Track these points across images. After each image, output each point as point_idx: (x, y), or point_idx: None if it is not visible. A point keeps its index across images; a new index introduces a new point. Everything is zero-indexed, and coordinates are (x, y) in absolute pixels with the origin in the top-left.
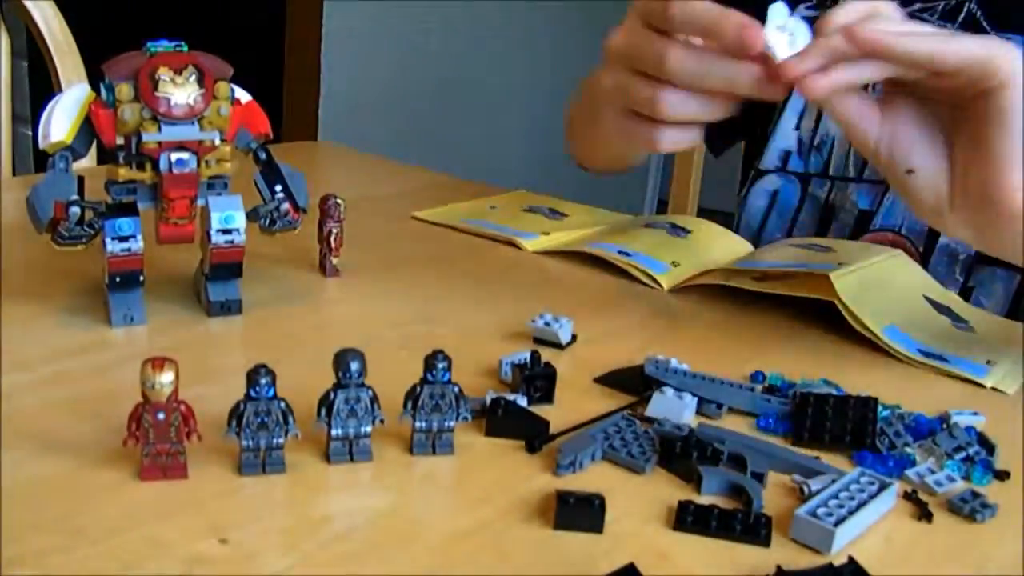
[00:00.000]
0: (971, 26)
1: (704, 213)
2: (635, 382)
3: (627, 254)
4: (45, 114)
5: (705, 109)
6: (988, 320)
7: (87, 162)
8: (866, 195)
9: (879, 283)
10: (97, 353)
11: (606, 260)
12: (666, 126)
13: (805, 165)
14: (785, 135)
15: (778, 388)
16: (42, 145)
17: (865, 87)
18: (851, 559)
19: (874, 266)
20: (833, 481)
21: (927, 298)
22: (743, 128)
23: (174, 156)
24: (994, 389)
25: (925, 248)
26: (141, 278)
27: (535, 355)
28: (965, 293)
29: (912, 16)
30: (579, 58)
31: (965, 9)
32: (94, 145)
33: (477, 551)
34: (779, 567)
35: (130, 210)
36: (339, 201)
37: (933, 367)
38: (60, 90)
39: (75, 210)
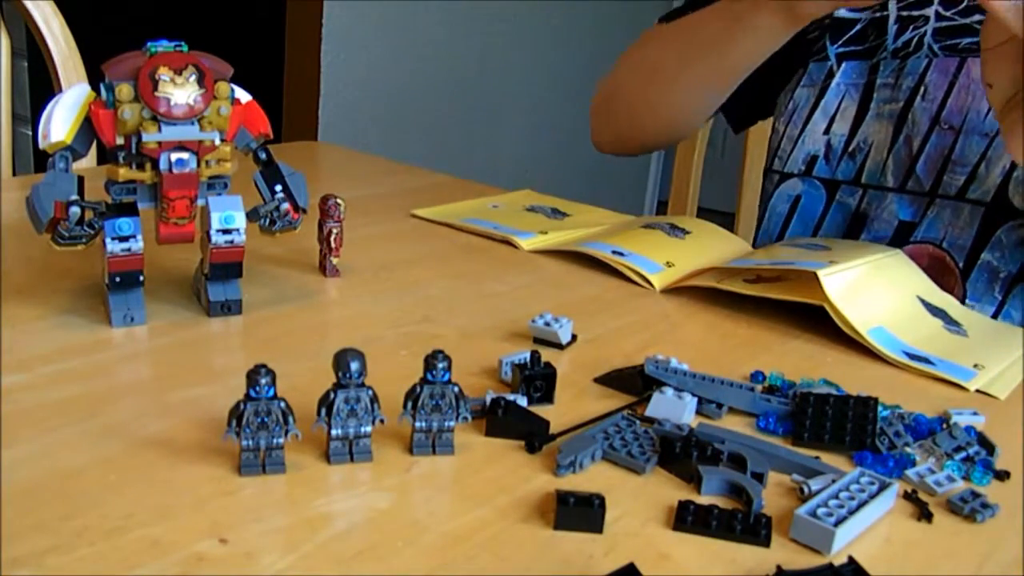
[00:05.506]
0: None
1: (704, 213)
2: (635, 382)
3: (621, 254)
4: (45, 114)
5: None
6: (983, 324)
7: (87, 162)
8: (908, 206)
9: (871, 282)
10: (97, 353)
11: (607, 260)
12: None
13: (833, 171)
14: (814, 139)
15: (778, 388)
16: (42, 145)
17: None
18: (851, 559)
19: (868, 265)
20: (833, 481)
21: (921, 299)
22: (767, 105)
23: (174, 156)
24: (980, 392)
25: (966, 264)
26: (141, 278)
27: (535, 355)
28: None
29: None
30: (580, 58)
31: None
32: (94, 145)
33: (477, 551)
34: (779, 567)
35: (130, 210)
36: (339, 201)
37: (918, 369)
38: (60, 90)
39: (75, 210)
